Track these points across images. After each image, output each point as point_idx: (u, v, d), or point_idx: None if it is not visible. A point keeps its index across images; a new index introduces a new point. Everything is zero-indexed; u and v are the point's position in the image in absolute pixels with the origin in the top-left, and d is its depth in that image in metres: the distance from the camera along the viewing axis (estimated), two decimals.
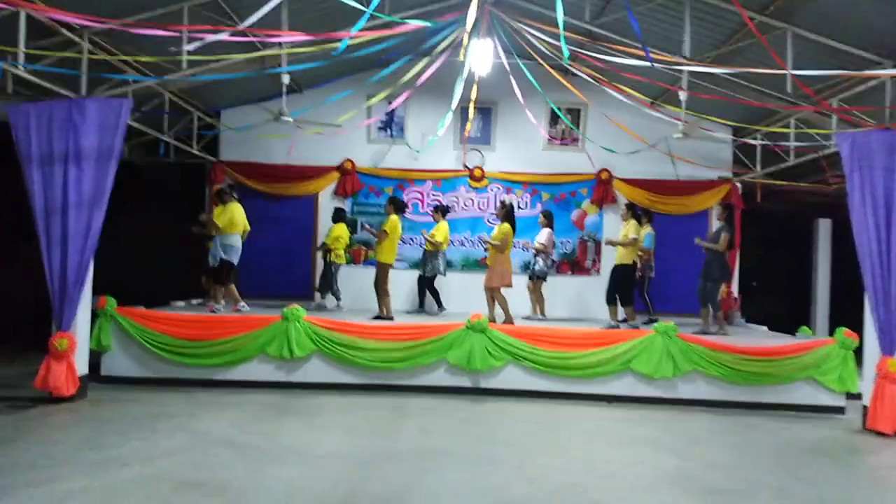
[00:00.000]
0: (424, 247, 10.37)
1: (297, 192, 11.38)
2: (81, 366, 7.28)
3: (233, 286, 9.27)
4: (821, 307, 14.32)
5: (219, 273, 9.22)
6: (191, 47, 6.39)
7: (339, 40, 6.74)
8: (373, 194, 11.47)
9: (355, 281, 10.72)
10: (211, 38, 6.44)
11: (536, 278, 10.17)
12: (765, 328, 10.32)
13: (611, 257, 11.29)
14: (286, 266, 11.33)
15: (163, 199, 11.96)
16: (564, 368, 8.05)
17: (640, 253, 9.88)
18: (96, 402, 7.15)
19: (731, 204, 9.87)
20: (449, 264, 11.26)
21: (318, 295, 10.67)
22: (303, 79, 11.06)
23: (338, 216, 10.60)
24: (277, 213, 11.31)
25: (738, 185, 11.53)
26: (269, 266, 11.21)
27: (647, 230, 10.02)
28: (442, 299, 10.33)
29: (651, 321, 9.92)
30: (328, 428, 6.38)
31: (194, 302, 10.73)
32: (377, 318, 8.91)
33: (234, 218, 9.12)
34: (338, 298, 10.51)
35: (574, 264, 11.58)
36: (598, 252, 11.57)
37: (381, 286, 9.08)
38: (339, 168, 11.41)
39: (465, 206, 11.51)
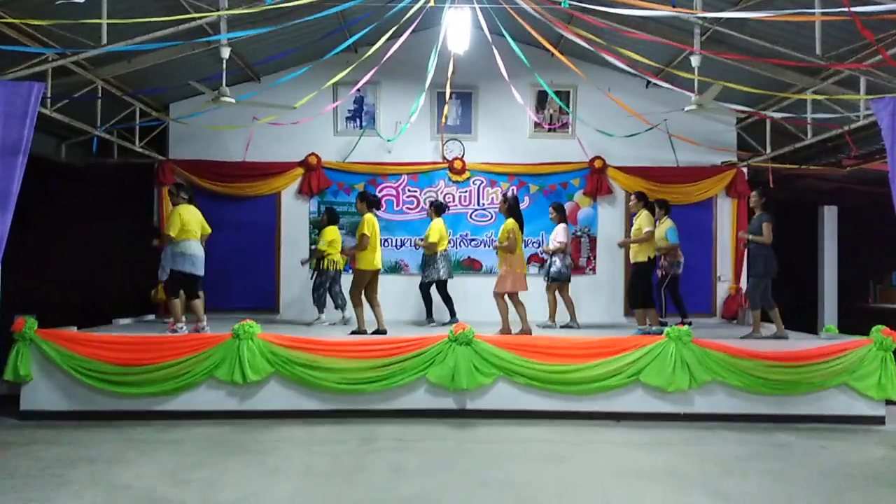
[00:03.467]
0: (423, 251, 9.24)
1: (257, 191, 10.21)
2: None
3: (198, 301, 7.80)
4: (828, 299, 13.37)
5: (169, 287, 7.85)
6: None
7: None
8: (342, 192, 10.31)
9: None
10: None
11: (553, 281, 8.99)
12: None
13: (609, 254, 10.34)
14: (247, 275, 10.16)
15: (106, 203, 10.71)
16: (564, 383, 6.94)
17: (661, 249, 8.77)
18: (4, 444, 5.94)
19: (766, 188, 8.69)
20: None
21: (316, 311, 9.43)
22: (260, 67, 9.93)
23: (331, 218, 9.37)
24: (235, 215, 10.13)
25: (745, 170, 10.50)
26: (227, 276, 10.02)
27: (668, 224, 8.87)
28: (434, 308, 9.24)
29: (685, 325, 8.86)
30: (282, 471, 5.22)
31: (148, 318, 9.57)
32: (354, 332, 7.76)
33: (184, 223, 7.67)
34: (342, 308, 9.32)
35: None
36: (592, 249, 10.50)
37: (354, 295, 7.91)
38: (304, 163, 10.24)
39: (446, 201, 10.36)
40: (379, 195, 10.24)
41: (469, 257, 10.42)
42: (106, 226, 10.47)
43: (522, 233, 7.92)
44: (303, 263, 9.75)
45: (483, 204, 10.45)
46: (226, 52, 6.88)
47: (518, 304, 7.81)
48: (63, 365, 6.80)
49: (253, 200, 10.25)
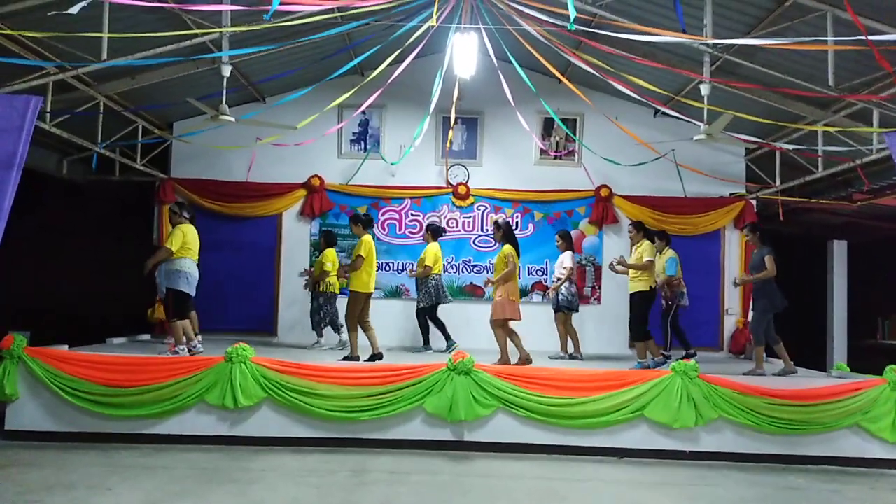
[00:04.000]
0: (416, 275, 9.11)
1: (259, 212, 10.07)
2: None
3: (186, 322, 7.61)
4: (837, 335, 13.10)
5: (171, 308, 7.61)
6: (75, 9, 5.01)
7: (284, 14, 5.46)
8: (344, 214, 10.17)
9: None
10: None
11: (561, 310, 8.80)
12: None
13: (614, 284, 10.13)
14: (245, 296, 9.98)
15: (106, 221, 10.60)
16: (565, 417, 6.69)
17: (664, 281, 8.62)
18: None
19: (755, 223, 8.55)
20: None
21: (315, 335, 9.28)
22: (265, 88, 9.89)
23: (328, 240, 9.20)
24: (235, 236, 10.00)
25: (753, 202, 10.33)
26: (225, 297, 9.87)
27: (669, 255, 8.75)
28: (431, 335, 9.03)
29: (690, 356, 8.65)
30: None
31: (142, 338, 9.39)
32: (346, 358, 7.57)
33: (185, 241, 7.48)
34: (340, 332, 9.11)
35: None
36: (597, 278, 10.30)
37: (349, 319, 7.70)
38: (306, 185, 10.13)
39: (449, 226, 10.23)
40: (381, 219, 10.12)
41: (471, 283, 10.25)
42: (105, 243, 10.36)
43: (518, 259, 7.71)
44: (301, 275, 9.54)
45: (487, 230, 10.29)
46: (227, 70, 6.80)
47: (511, 333, 7.57)
48: (50, 384, 6.59)
49: (254, 221, 10.12)
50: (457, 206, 10.32)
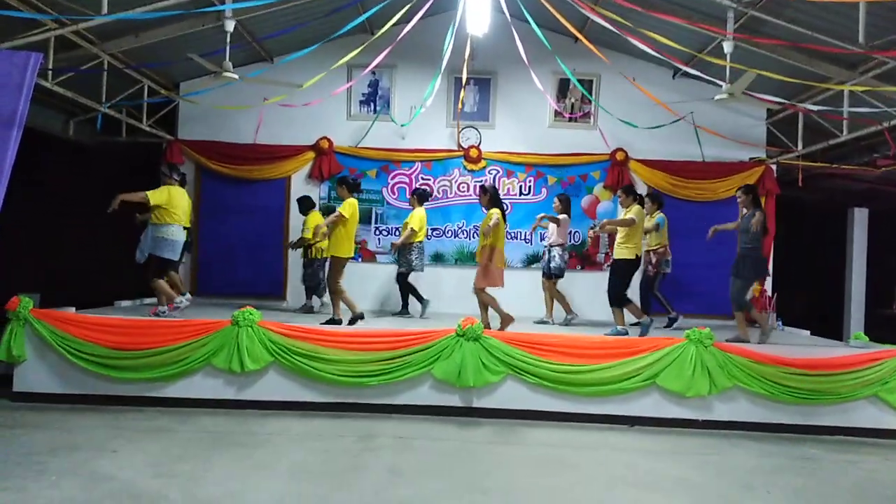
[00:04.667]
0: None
1: (267, 174, 9.93)
2: None
3: (163, 282, 7.50)
4: (855, 306, 12.88)
5: (151, 270, 7.44)
6: None
7: None
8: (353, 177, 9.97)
9: (362, 280, 9.52)
10: None
11: (554, 276, 8.69)
12: (806, 333, 8.85)
13: None
14: (255, 261, 9.91)
15: (113, 182, 10.45)
16: (576, 384, 6.58)
17: (654, 246, 8.47)
18: None
19: (753, 185, 8.29)
20: (441, 258, 9.89)
21: (305, 296, 9.24)
22: (273, 47, 9.65)
23: (308, 205, 9.12)
24: (244, 199, 9.89)
25: (773, 167, 10.04)
26: (234, 261, 9.83)
27: (657, 215, 8.58)
28: (424, 298, 8.88)
29: (672, 321, 8.51)
30: (270, 467, 4.94)
31: (150, 301, 9.34)
32: (330, 321, 7.43)
33: (171, 204, 7.33)
34: (320, 296, 9.09)
35: (584, 258, 10.12)
36: (611, 244, 9.99)
37: (332, 284, 7.58)
38: (315, 147, 9.96)
39: (460, 190, 10.03)
40: (391, 183, 9.96)
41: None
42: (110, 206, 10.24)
43: (505, 224, 7.53)
44: (292, 247, 9.43)
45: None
46: (230, 25, 6.60)
47: (487, 296, 7.42)
48: (57, 346, 6.56)
49: (262, 184, 9.98)
50: (468, 170, 10.11)
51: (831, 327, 11.30)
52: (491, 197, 7.47)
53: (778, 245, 10.32)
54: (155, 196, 7.22)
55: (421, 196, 8.98)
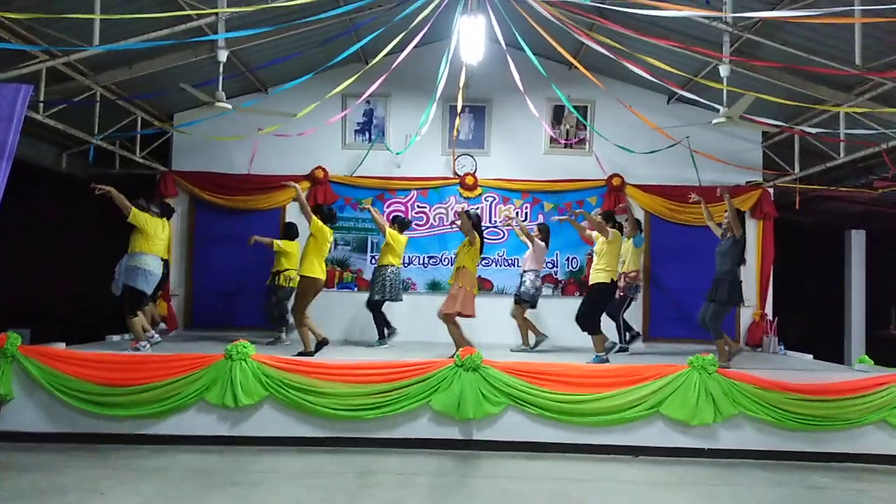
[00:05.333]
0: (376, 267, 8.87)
1: (261, 205, 9.84)
2: None
3: (137, 319, 7.31)
4: (855, 328, 12.79)
5: (126, 305, 7.28)
6: None
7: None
8: (349, 207, 9.93)
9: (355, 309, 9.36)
10: None
11: (521, 302, 8.58)
12: (809, 357, 8.73)
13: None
14: (250, 292, 9.71)
15: (106, 215, 10.38)
16: (578, 414, 6.43)
17: (627, 270, 8.44)
18: None
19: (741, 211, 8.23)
20: (437, 286, 9.79)
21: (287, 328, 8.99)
22: (268, 77, 9.64)
23: (288, 232, 8.94)
24: (237, 230, 9.70)
25: (770, 190, 10.00)
26: (228, 293, 9.70)
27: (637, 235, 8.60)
28: (394, 328, 8.77)
29: (622, 349, 8.37)
30: None
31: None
32: (301, 354, 7.10)
33: (148, 228, 7.22)
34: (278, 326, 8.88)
35: (581, 284, 9.99)
36: None
37: (298, 312, 7.25)
38: (310, 177, 9.88)
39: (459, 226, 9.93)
40: (385, 210, 9.90)
41: (479, 276, 9.95)
42: (104, 238, 10.13)
43: (481, 252, 7.49)
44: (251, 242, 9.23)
45: (495, 221, 10.02)
46: (223, 56, 6.55)
47: (455, 325, 7.33)
48: (46, 384, 6.40)
49: (256, 214, 9.88)
50: (464, 198, 10.06)
51: (832, 350, 11.19)
52: (473, 224, 7.39)
53: (777, 269, 10.25)
54: (135, 213, 7.13)
55: (402, 225, 8.89)
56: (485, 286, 9.94)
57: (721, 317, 7.26)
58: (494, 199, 10.09)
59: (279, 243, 8.67)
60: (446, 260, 9.91)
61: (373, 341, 8.80)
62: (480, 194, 10.06)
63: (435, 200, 10.06)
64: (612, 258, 7.37)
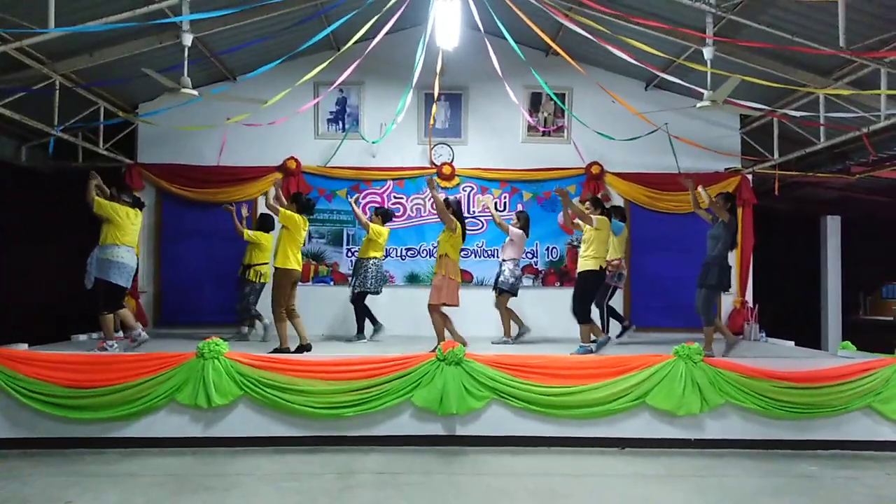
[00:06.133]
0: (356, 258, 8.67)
1: (231, 197, 9.44)
2: None
3: (124, 311, 7.07)
4: (832, 313, 12.84)
5: (100, 300, 6.97)
6: None
7: None
8: (323, 198, 9.65)
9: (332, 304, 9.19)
10: None
11: (503, 292, 8.41)
12: (791, 344, 8.70)
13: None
14: (219, 288, 9.41)
15: (69, 210, 9.98)
16: (563, 407, 6.28)
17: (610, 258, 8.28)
18: None
19: (731, 194, 8.13)
20: (416, 278, 9.59)
21: (250, 323, 8.72)
22: (236, 65, 9.32)
23: (263, 224, 8.59)
24: (207, 223, 9.45)
25: (749, 177, 9.95)
26: (197, 288, 9.39)
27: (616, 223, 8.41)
28: (380, 324, 8.59)
29: (601, 343, 8.22)
30: None
31: (117, 334, 8.86)
32: (276, 351, 6.83)
33: (119, 218, 6.85)
34: (261, 319, 8.55)
35: (562, 274, 9.88)
36: None
37: (276, 305, 7.00)
38: (282, 168, 9.59)
39: (433, 209, 9.70)
40: (362, 202, 9.64)
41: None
42: (68, 234, 9.76)
43: (464, 240, 7.32)
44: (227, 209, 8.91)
45: (473, 212, 9.83)
46: (188, 39, 6.24)
47: (443, 316, 7.18)
48: (6, 387, 6.06)
49: None
50: (442, 188, 9.82)
51: (809, 337, 11.21)
52: (454, 212, 7.21)
53: (755, 256, 10.21)
54: (100, 203, 6.75)
55: (385, 216, 8.68)
56: (465, 277, 9.73)
57: (711, 302, 7.15)
58: (472, 188, 9.89)
59: (251, 234, 8.36)
60: (424, 252, 9.71)
61: (351, 336, 8.58)
62: (458, 184, 9.86)
63: (412, 191, 9.84)
64: (599, 245, 7.20)
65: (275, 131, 9.10)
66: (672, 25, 6.85)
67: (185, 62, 6.58)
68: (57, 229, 9.85)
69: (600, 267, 7.24)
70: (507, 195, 9.86)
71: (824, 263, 12.80)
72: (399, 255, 9.71)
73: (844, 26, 5.67)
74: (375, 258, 8.38)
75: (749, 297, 9.89)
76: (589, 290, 7.36)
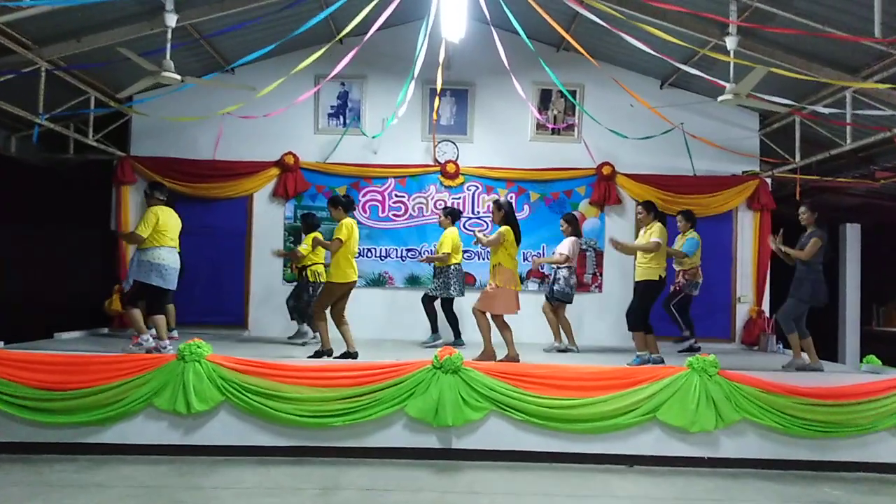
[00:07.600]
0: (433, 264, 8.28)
1: (227, 193, 9.16)
2: None
3: (160, 318, 6.65)
4: (850, 324, 12.34)
5: (128, 295, 6.82)
6: None
7: None
8: (321, 195, 9.26)
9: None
10: None
11: (556, 300, 8.02)
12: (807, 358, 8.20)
13: (617, 271, 9.31)
14: (214, 286, 9.09)
15: (59, 203, 9.66)
16: (567, 421, 5.86)
17: (683, 266, 8.07)
18: None
19: (815, 201, 7.71)
20: (416, 280, 9.21)
21: (304, 327, 8.34)
22: (231, 54, 8.93)
23: (310, 224, 8.26)
24: (202, 219, 9.03)
25: (768, 180, 9.49)
26: (191, 287, 8.91)
27: (690, 234, 8.07)
28: (439, 325, 8.22)
29: (693, 349, 7.85)
30: None
31: (101, 332, 8.54)
32: (319, 353, 6.69)
33: (160, 226, 6.53)
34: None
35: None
36: (599, 264, 9.45)
37: (318, 310, 6.81)
38: (279, 163, 9.21)
39: (436, 208, 9.30)
40: (361, 199, 9.27)
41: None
42: (57, 228, 9.44)
43: (518, 245, 6.86)
44: (275, 254, 8.72)
45: (478, 212, 9.42)
46: (171, 20, 5.87)
47: (503, 327, 6.71)
48: None
49: (222, 203, 9.20)
50: (445, 187, 9.44)
51: (826, 348, 10.73)
52: (506, 214, 6.79)
53: (773, 264, 9.74)
54: (146, 228, 6.42)
55: (452, 214, 8.28)
56: (468, 280, 9.33)
57: (792, 313, 6.74)
58: (477, 188, 9.48)
59: (306, 246, 7.97)
60: (425, 252, 9.29)
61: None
62: (462, 183, 9.45)
63: (414, 189, 9.44)
64: (659, 254, 6.75)
65: (273, 125, 8.73)
66: (692, 18, 6.41)
67: (168, 45, 6.21)
68: (42, 222, 9.51)
69: (660, 277, 6.78)
70: (513, 195, 9.43)
71: (843, 272, 12.31)
72: (399, 255, 9.32)
73: (881, 14, 5.23)
74: (456, 265, 8.06)
75: (766, 306, 9.41)
76: (643, 300, 6.89)
